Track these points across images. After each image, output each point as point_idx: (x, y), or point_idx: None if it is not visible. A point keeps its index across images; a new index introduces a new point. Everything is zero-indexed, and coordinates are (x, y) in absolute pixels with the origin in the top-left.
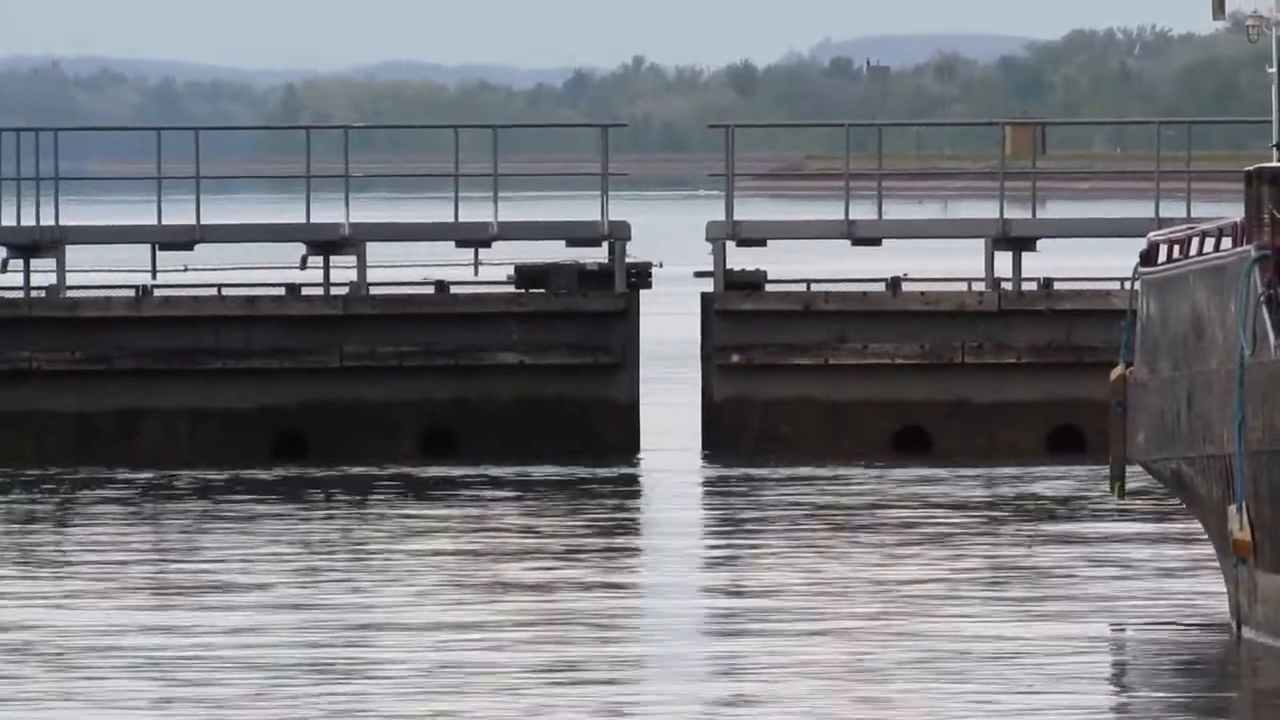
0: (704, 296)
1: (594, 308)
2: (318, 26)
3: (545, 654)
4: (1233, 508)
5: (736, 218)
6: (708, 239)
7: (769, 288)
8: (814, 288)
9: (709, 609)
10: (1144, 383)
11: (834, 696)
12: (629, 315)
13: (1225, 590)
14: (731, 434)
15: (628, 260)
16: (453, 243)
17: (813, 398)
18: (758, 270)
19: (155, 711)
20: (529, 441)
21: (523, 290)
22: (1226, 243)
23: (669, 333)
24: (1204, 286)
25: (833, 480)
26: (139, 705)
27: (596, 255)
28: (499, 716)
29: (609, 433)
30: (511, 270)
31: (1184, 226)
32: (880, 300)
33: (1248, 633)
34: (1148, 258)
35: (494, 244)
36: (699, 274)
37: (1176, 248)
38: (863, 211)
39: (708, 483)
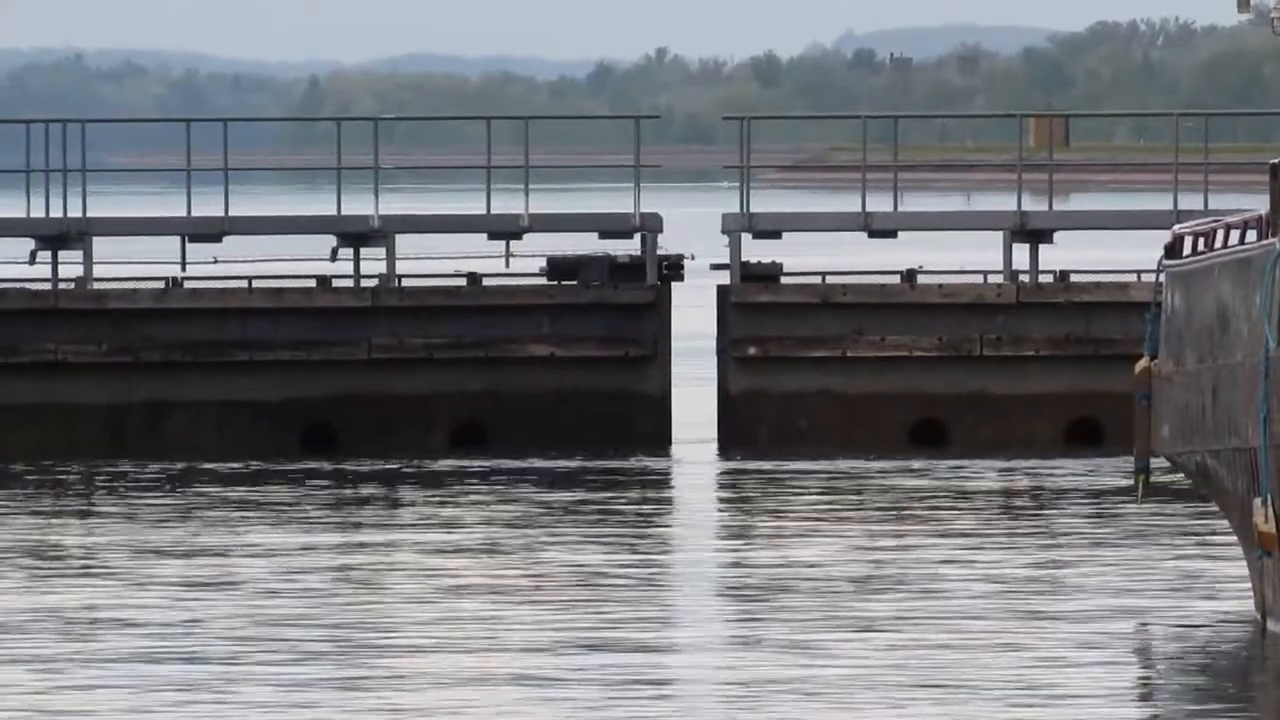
0: (720, 289)
1: (625, 300)
2: (340, 19)
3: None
4: (1257, 500)
5: (753, 210)
6: (723, 231)
7: (785, 280)
8: (831, 280)
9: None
10: (1169, 376)
11: (845, 696)
12: (660, 307)
13: (1250, 583)
14: (748, 427)
15: (659, 252)
16: (484, 235)
17: (830, 390)
18: (774, 263)
19: None
20: (559, 434)
21: (554, 282)
22: (1251, 235)
23: (702, 326)
24: (1229, 279)
25: (850, 472)
26: None
27: (628, 247)
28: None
29: (640, 425)
30: (543, 262)
31: (1209, 219)
32: (898, 293)
33: (1273, 625)
34: (1172, 250)
35: (525, 236)
36: (715, 266)
37: (1201, 240)
38: (882, 203)
39: (729, 474)
